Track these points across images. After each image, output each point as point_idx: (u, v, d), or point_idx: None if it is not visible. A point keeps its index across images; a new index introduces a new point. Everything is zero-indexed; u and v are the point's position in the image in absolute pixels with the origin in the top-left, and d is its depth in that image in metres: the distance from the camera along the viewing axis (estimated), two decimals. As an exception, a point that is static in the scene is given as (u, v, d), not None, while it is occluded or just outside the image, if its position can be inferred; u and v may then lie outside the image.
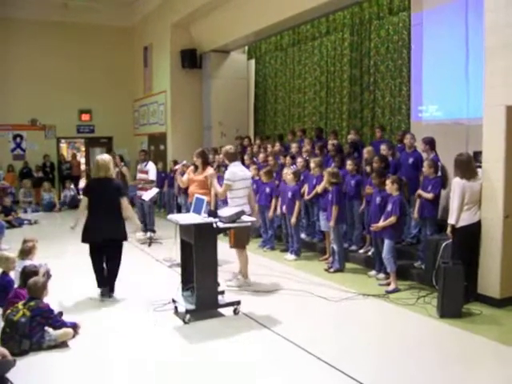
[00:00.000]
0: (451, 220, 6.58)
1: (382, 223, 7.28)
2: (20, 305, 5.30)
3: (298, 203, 8.96)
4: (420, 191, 7.65)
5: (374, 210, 7.67)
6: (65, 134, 19.27)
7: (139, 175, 11.62)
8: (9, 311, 5.28)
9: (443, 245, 6.85)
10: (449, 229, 6.66)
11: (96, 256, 6.92)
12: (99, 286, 6.97)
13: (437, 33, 9.47)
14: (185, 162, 9.20)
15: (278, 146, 11.72)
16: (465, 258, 6.32)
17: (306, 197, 9.28)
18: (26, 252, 6.79)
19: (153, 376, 4.68)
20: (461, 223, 6.52)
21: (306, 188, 9.37)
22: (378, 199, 7.58)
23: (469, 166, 6.56)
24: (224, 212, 6.34)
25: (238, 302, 6.27)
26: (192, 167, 8.65)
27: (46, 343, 5.20)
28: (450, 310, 6.03)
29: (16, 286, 6.08)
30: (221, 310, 6.27)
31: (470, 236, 6.51)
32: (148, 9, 17.49)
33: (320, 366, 4.83)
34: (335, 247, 8.26)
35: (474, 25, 8.35)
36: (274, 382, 4.56)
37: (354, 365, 4.79)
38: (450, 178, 7.25)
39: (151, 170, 11.42)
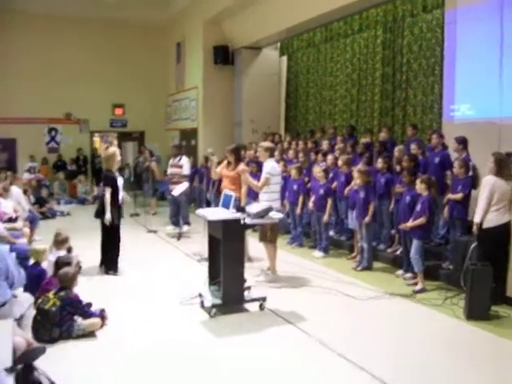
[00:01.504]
0: (477, 218, 6.51)
1: (410, 223, 7.23)
2: (51, 294, 5.44)
3: (330, 201, 8.96)
4: (450, 195, 7.58)
5: (403, 208, 7.62)
6: (98, 127, 19.55)
7: (171, 170, 11.65)
8: (40, 300, 5.44)
9: (472, 246, 6.75)
10: (474, 227, 6.58)
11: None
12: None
13: (470, 31, 9.33)
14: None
15: (310, 144, 11.71)
16: (492, 259, 6.21)
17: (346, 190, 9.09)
18: (58, 243, 7.01)
19: (177, 369, 4.76)
20: (488, 224, 6.44)
21: (336, 185, 9.37)
22: (407, 198, 7.53)
23: (508, 164, 6.49)
24: (252, 208, 6.38)
25: (264, 298, 6.31)
26: (225, 162, 8.70)
27: (75, 332, 5.33)
28: (477, 311, 5.98)
29: (49, 275, 6.25)
30: (246, 306, 6.32)
31: (498, 237, 6.42)
32: (181, 5, 17.56)
33: (344, 364, 4.85)
34: (365, 245, 8.23)
35: (509, 22, 8.23)
36: (296, 378, 4.59)
37: (378, 363, 4.80)
38: (482, 179, 7.14)
39: (185, 164, 11.44)
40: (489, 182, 6.45)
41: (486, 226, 6.46)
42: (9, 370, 3.12)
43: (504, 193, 6.39)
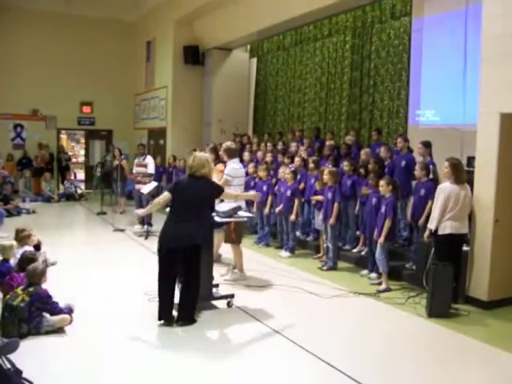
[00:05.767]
0: (431, 225, 6.65)
1: (383, 233, 7.30)
2: (19, 290, 5.42)
3: (297, 201, 9.09)
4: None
5: (369, 211, 7.78)
6: (65, 125, 19.37)
7: (136, 169, 11.77)
8: (8, 296, 5.40)
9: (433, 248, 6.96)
10: (427, 233, 6.75)
11: None
12: None
13: (437, 39, 9.62)
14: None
15: (280, 145, 11.83)
16: (450, 259, 6.38)
17: (314, 197, 9.08)
18: (21, 239, 6.97)
19: (144, 364, 4.80)
20: (444, 231, 6.54)
21: (303, 186, 9.52)
22: (374, 200, 7.70)
23: (463, 168, 6.68)
24: (221, 207, 6.46)
25: (232, 296, 6.41)
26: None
27: (44, 328, 5.31)
28: (438, 309, 6.17)
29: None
30: (215, 303, 6.40)
31: (454, 241, 6.58)
32: (152, 4, 17.52)
33: (307, 357, 4.98)
34: (330, 245, 8.38)
35: (473, 33, 8.50)
36: (260, 371, 4.69)
37: (340, 357, 4.94)
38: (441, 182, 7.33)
39: (150, 163, 11.60)
40: (443, 190, 6.56)
41: (441, 232, 6.57)
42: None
43: (459, 200, 6.48)
